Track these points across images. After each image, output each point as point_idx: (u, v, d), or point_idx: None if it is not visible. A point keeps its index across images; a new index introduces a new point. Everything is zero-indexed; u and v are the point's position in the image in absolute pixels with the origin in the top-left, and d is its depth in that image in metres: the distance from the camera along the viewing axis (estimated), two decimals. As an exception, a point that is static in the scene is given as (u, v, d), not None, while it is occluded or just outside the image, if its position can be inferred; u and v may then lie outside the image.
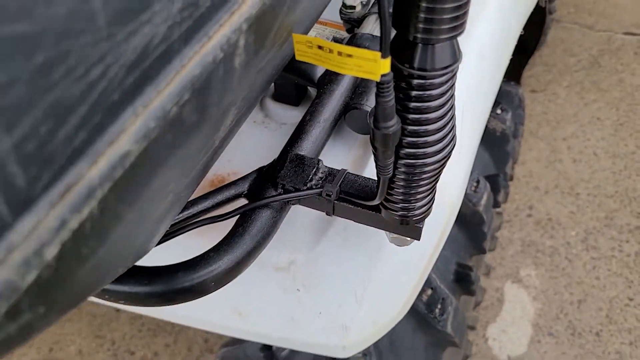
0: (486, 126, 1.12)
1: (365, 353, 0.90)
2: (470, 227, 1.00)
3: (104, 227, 0.31)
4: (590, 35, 3.03)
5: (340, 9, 0.78)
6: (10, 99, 0.22)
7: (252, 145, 0.71)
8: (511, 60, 1.49)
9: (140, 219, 0.36)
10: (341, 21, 0.82)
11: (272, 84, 0.72)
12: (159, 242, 0.48)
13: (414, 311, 0.92)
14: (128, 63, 0.27)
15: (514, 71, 1.50)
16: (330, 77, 0.69)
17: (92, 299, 0.51)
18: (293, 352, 0.93)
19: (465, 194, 0.97)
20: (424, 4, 0.39)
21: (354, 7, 0.77)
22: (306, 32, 0.55)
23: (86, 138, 0.27)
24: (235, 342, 0.99)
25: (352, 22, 0.77)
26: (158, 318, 0.78)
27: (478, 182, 1.00)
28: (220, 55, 0.35)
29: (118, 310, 2.08)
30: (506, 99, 1.25)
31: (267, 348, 0.98)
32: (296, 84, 0.75)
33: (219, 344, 2.01)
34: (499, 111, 1.14)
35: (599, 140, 2.52)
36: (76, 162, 0.27)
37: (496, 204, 1.09)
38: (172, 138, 0.33)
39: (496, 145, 1.12)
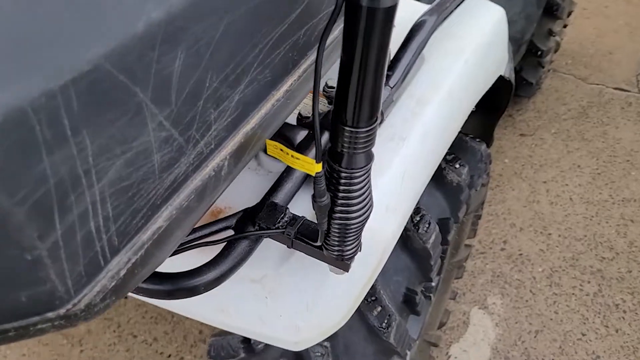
0: (445, 177, 1.36)
1: (323, 354, 1.14)
2: (419, 259, 1.24)
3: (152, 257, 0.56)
4: (582, 87, 3.24)
5: (324, 87, 1.03)
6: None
7: (245, 186, 0.95)
8: (481, 120, 1.71)
9: (166, 252, 0.61)
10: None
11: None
12: (171, 255, 0.72)
13: (365, 323, 1.16)
14: (166, 186, 0.53)
15: (486, 131, 1.72)
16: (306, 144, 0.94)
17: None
18: (267, 346, 1.17)
19: (417, 233, 1.21)
20: (347, 132, 0.63)
21: (333, 87, 1.01)
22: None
23: (145, 219, 0.53)
24: (223, 333, 1.23)
25: (330, 98, 1.02)
26: (162, 307, 1.03)
27: (429, 224, 1.23)
28: (212, 173, 0.60)
29: (126, 297, 2.34)
30: (470, 154, 1.48)
31: (246, 341, 1.22)
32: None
33: (210, 335, 2.25)
34: (457, 165, 1.37)
35: (576, 186, 2.72)
36: (138, 232, 0.52)
37: (445, 242, 1.32)
38: (183, 218, 0.59)
39: (452, 193, 1.35)
